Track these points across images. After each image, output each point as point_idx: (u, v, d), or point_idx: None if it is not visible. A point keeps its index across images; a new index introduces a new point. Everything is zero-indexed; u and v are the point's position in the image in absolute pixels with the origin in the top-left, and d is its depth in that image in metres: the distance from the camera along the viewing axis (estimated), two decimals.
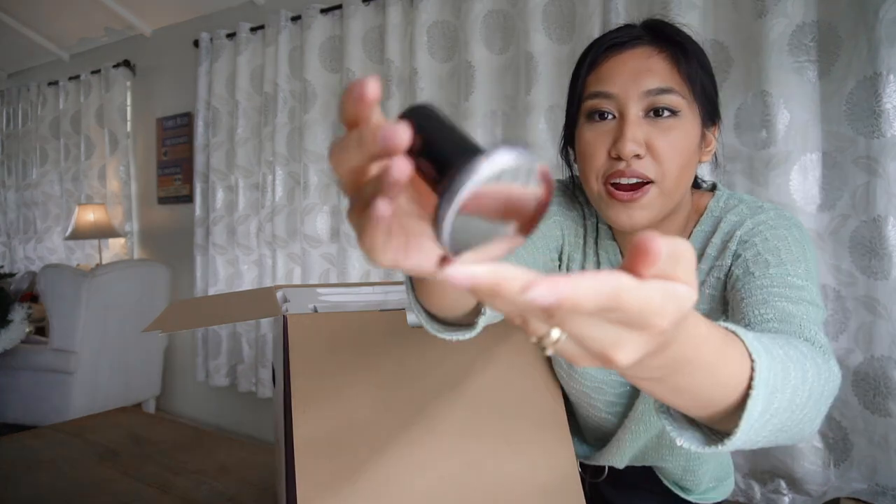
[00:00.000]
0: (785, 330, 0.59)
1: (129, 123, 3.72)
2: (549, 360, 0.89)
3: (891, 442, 1.49)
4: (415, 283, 0.58)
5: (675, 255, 0.27)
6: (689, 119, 0.73)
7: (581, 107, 0.76)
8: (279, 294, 0.94)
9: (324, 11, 2.66)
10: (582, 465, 0.95)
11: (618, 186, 0.71)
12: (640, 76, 0.71)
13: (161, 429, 1.33)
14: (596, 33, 1.89)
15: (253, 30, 2.94)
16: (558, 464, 0.80)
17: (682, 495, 0.92)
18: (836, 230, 1.58)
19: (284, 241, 2.81)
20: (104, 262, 3.71)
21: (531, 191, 0.28)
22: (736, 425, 0.41)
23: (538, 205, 0.29)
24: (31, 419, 2.83)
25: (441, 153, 0.30)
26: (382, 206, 0.29)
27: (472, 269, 0.25)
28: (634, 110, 0.71)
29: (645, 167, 0.70)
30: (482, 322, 0.58)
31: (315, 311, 0.81)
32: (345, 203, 2.57)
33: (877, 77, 1.47)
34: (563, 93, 0.81)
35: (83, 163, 3.88)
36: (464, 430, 0.76)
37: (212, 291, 3.09)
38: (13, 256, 4.45)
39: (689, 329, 0.33)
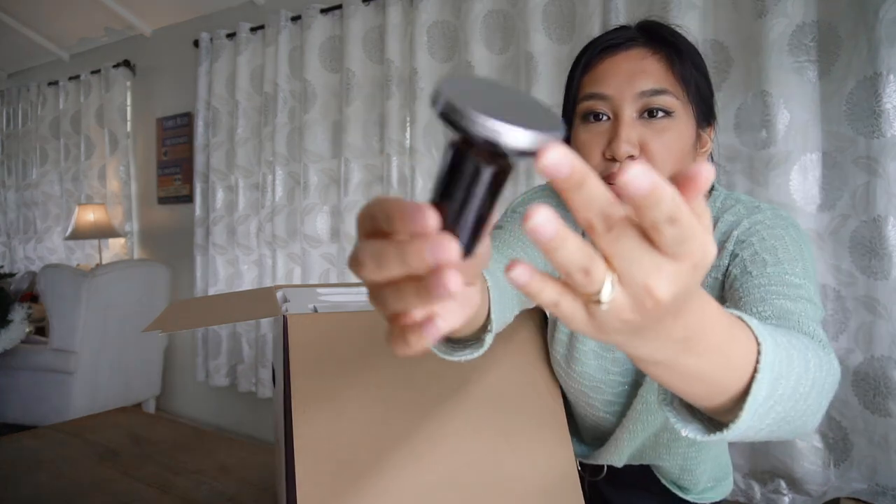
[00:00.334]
0: (783, 326, 0.59)
1: (129, 123, 3.72)
2: (548, 360, 0.89)
3: (891, 442, 1.49)
4: None
5: (702, 205, 0.29)
6: (684, 120, 0.73)
7: (576, 108, 0.76)
8: (279, 294, 0.94)
9: (324, 11, 2.66)
10: (581, 464, 0.95)
11: (612, 187, 0.71)
12: (635, 77, 0.72)
13: (161, 429, 1.33)
14: (596, 33, 1.88)
15: (253, 30, 2.94)
16: (557, 463, 0.80)
17: (681, 494, 0.92)
18: (836, 230, 1.58)
19: (284, 241, 2.81)
20: (104, 262, 3.71)
21: None
22: (741, 409, 0.41)
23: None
24: (31, 419, 2.83)
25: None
26: (436, 323, 0.29)
27: (566, 157, 0.25)
28: (629, 111, 0.72)
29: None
30: (489, 339, 0.58)
31: (315, 311, 0.81)
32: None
33: (877, 77, 1.47)
34: (563, 93, 0.81)
35: (83, 163, 3.88)
36: (464, 430, 0.76)
37: (212, 291, 3.09)
38: (13, 256, 4.45)
39: (701, 302, 0.34)
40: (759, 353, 0.41)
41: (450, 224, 0.28)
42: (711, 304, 0.36)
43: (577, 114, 0.76)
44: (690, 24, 1.74)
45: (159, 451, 1.18)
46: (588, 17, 1.93)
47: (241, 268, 3.01)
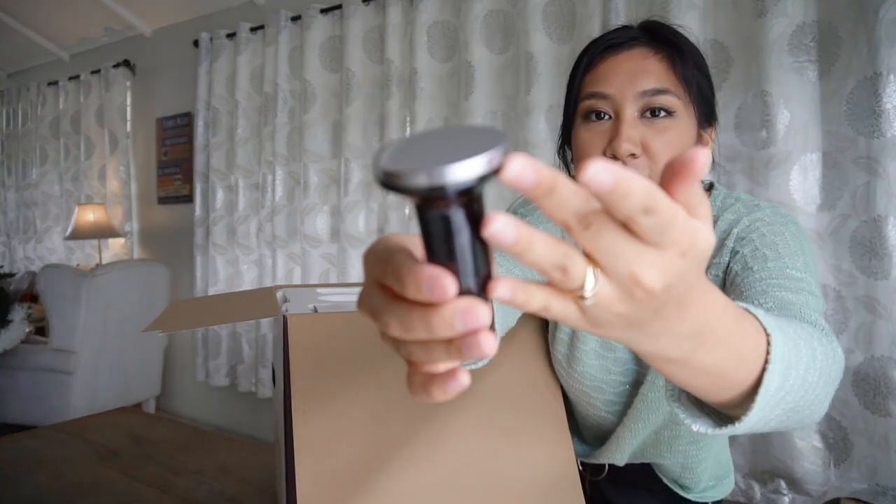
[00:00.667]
0: (785, 316, 0.59)
1: (129, 123, 3.72)
2: (549, 359, 0.89)
3: (891, 442, 1.49)
4: None
5: (699, 194, 0.28)
6: (685, 120, 0.73)
7: (578, 107, 0.76)
8: (279, 294, 0.94)
9: (324, 11, 2.66)
10: (582, 463, 0.96)
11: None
12: (637, 77, 0.72)
13: (161, 429, 1.33)
14: (596, 33, 1.89)
15: (253, 30, 2.94)
16: (558, 462, 0.80)
17: (682, 493, 0.92)
18: (836, 230, 1.58)
19: (284, 241, 2.81)
20: (104, 262, 3.71)
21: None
22: (752, 402, 0.41)
23: None
24: (31, 419, 2.83)
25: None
26: (460, 378, 0.29)
27: (527, 166, 0.25)
28: (630, 111, 0.72)
29: (640, 167, 0.71)
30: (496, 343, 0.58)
31: (315, 311, 0.81)
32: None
33: (877, 77, 1.47)
34: (563, 93, 0.82)
35: (83, 163, 3.88)
36: (464, 430, 0.76)
37: (212, 291, 3.09)
38: (13, 256, 4.45)
39: (706, 294, 0.33)
40: (768, 344, 0.41)
41: (458, 279, 0.27)
42: (717, 296, 0.35)
43: (578, 113, 0.76)
44: (690, 24, 1.74)
45: (159, 451, 1.18)
46: (588, 17, 1.93)
47: (241, 268, 3.01)
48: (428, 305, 0.26)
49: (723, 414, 0.46)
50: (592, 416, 0.91)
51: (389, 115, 2.45)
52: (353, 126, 2.57)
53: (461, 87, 2.24)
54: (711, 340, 0.36)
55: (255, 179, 2.96)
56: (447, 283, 0.25)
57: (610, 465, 0.95)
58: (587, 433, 0.97)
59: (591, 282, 0.28)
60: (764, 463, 1.68)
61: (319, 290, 0.97)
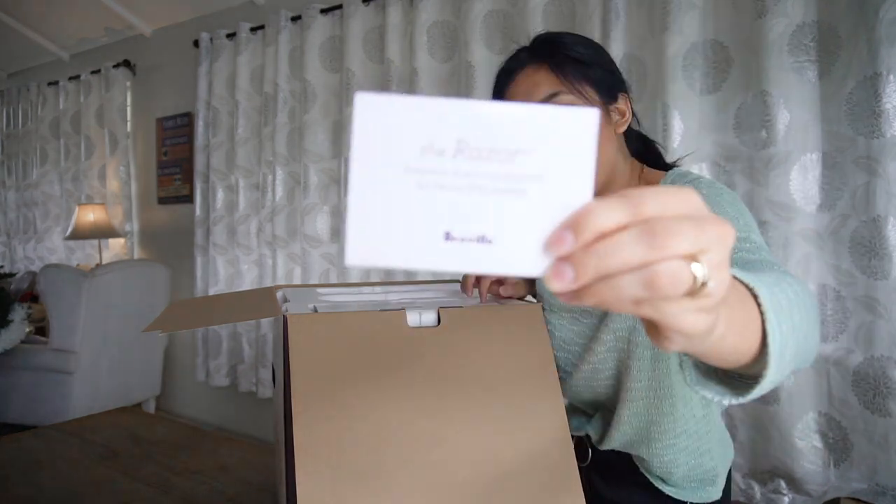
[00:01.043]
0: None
1: (129, 123, 3.72)
2: (546, 341, 0.90)
3: (891, 442, 1.49)
4: None
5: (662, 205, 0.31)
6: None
7: None
8: (279, 294, 0.94)
9: (324, 11, 2.66)
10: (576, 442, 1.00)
11: None
12: (531, 91, 0.87)
13: (161, 429, 1.33)
14: (596, 33, 1.89)
15: (253, 30, 2.94)
16: (557, 454, 0.80)
17: (662, 488, 0.95)
18: (836, 230, 1.58)
19: (284, 241, 2.81)
20: (104, 262, 3.71)
21: None
22: (766, 354, 0.42)
23: None
24: (31, 419, 2.83)
25: None
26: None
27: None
28: None
29: None
30: None
31: (315, 311, 0.81)
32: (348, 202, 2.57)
33: (877, 77, 1.47)
34: None
35: (83, 163, 3.88)
36: (466, 429, 0.76)
37: (212, 291, 3.09)
38: (13, 256, 4.45)
39: None
40: (755, 297, 0.42)
41: None
42: None
43: None
44: (690, 24, 1.74)
45: (159, 451, 1.18)
46: (588, 17, 1.93)
47: (242, 268, 3.01)
48: None
49: (744, 382, 0.47)
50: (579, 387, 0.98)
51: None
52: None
53: (461, 88, 2.24)
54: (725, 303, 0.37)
55: (256, 179, 2.96)
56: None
57: (600, 457, 0.98)
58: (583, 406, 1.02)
59: (699, 267, 0.29)
60: (764, 463, 1.68)
61: (319, 290, 0.97)
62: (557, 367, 0.94)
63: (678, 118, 1.77)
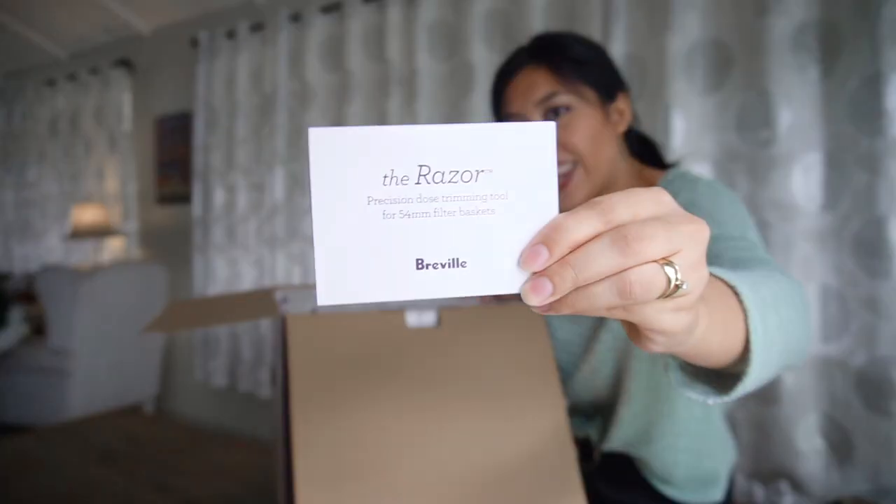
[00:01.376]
0: (738, 269, 0.63)
1: (127, 123, 3.71)
2: (551, 353, 0.89)
3: (893, 443, 1.48)
4: None
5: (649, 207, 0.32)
6: (584, 107, 0.88)
7: None
8: (278, 294, 0.93)
9: (323, 11, 2.65)
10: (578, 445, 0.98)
11: None
12: (529, 91, 0.88)
13: (160, 429, 1.32)
14: (597, 33, 1.88)
15: (252, 29, 2.93)
16: (557, 454, 0.80)
17: (663, 489, 0.94)
18: (838, 230, 1.58)
19: (284, 241, 2.80)
20: (102, 262, 3.70)
21: None
22: (749, 351, 0.42)
23: None
24: (30, 420, 2.82)
25: None
26: None
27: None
28: (536, 118, 0.87)
29: (561, 157, 0.87)
30: None
31: (314, 311, 0.81)
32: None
33: (880, 76, 1.46)
34: None
35: (81, 162, 3.87)
36: (466, 430, 0.76)
37: (211, 292, 3.08)
38: (11, 257, 4.44)
39: None
40: (737, 295, 0.43)
41: None
42: None
43: None
44: (691, 23, 1.74)
45: (158, 451, 1.18)
46: (588, 17, 1.92)
47: (241, 268, 3.00)
48: None
49: (729, 381, 0.47)
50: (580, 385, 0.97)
51: (389, 115, 2.44)
52: (353, 126, 2.56)
53: (461, 87, 2.24)
54: (704, 305, 0.37)
55: (255, 179, 2.96)
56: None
57: (602, 459, 0.97)
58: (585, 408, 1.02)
59: (673, 271, 0.29)
60: (766, 464, 1.67)
61: None
62: (558, 367, 0.94)
63: (679, 117, 1.76)
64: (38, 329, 3.35)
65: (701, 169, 1.74)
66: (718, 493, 0.96)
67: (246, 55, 2.95)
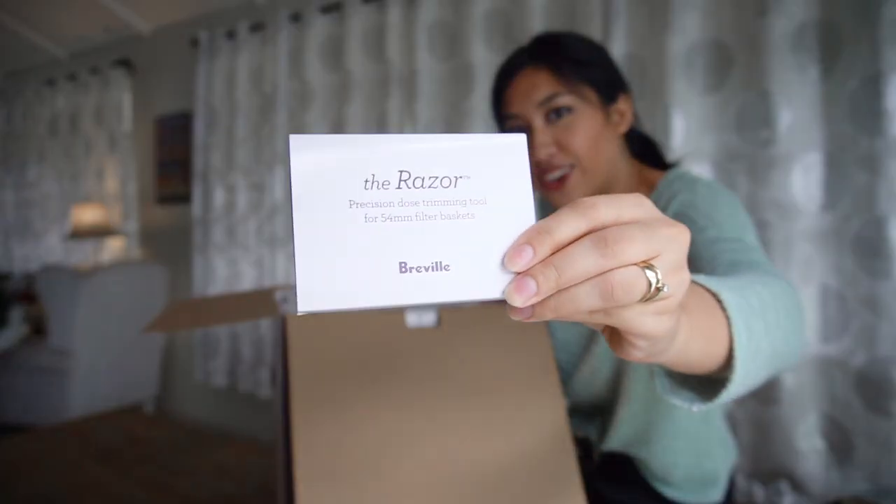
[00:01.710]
0: (732, 274, 0.62)
1: (127, 123, 3.71)
2: (552, 358, 0.89)
3: (894, 443, 1.48)
4: None
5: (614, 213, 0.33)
6: (585, 108, 0.87)
7: (504, 128, 0.93)
8: (278, 294, 0.93)
9: (323, 11, 2.65)
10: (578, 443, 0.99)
11: (549, 181, 0.88)
12: (530, 92, 0.87)
13: (160, 429, 1.32)
14: (597, 33, 1.88)
15: (252, 29, 2.93)
16: (557, 456, 0.80)
17: (663, 490, 0.94)
18: (838, 230, 1.58)
19: (284, 241, 2.80)
20: (103, 262, 3.70)
21: None
22: (733, 357, 0.42)
23: None
24: (30, 419, 2.82)
25: None
26: None
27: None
28: (537, 120, 0.87)
29: (561, 159, 0.87)
30: None
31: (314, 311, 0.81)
32: None
33: (880, 76, 1.46)
34: None
35: (81, 162, 3.87)
36: (465, 430, 0.76)
37: (211, 291, 3.08)
38: (11, 256, 4.44)
39: None
40: (720, 301, 0.43)
41: None
42: None
43: (504, 131, 0.93)
44: (691, 24, 1.74)
45: (159, 451, 1.18)
46: (588, 17, 1.92)
47: (241, 268, 3.00)
48: None
49: (714, 387, 0.47)
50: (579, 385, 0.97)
51: (389, 115, 2.44)
52: (353, 126, 2.56)
53: (461, 87, 2.24)
54: (686, 313, 0.38)
55: (255, 179, 2.96)
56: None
57: (602, 460, 0.97)
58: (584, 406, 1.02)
59: (653, 274, 0.29)
60: (766, 464, 1.67)
61: None
62: (558, 367, 0.94)
63: (679, 117, 1.76)
64: (38, 329, 3.35)
65: (701, 169, 1.74)
66: (718, 493, 0.96)
67: (246, 55, 2.95)
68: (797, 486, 1.64)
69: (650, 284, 0.29)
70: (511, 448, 0.77)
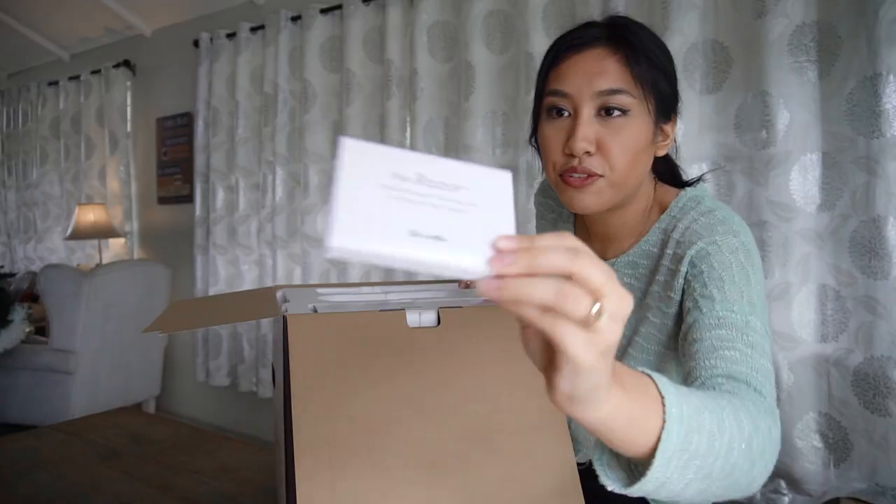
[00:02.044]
0: (733, 390, 0.63)
1: (129, 123, 3.72)
2: None
3: (891, 442, 1.49)
4: None
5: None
6: (640, 117, 0.77)
7: (543, 101, 0.81)
8: (279, 294, 0.94)
9: (324, 11, 2.66)
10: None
11: (571, 176, 0.78)
12: (594, 77, 0.76)
13: (161, 429, 1.33)
14: None
15: (253, 30, 2.94)
16: (560, 468, 0.80)
17: None
18: (835, 230, 1.58)
19: (284, 241, 2.81)
20: (104, 262, 3.71)
21: None
22: (654, 455, 0.43)
23: None
24: (31, 419, 2.83)
25: None
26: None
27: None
28: (587, 110, 0.76)
29: (594, 164, 0.76)
30: None
31: (315, 311, 0.81)
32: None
33: (877, 77, 1.47)
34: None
35: (83, 163, 3.88)
36: (466, 430, 0.76)
37: (212, 291, 3.09)
38: (13, 256, 4.45)
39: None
40: (663, 405, 0.44)
41: None
42: (618, 364, 0.42)
43: (543, 107, 0.81)
44: (690, 24, 1.74)
45: (159, 451, 1.18)
46: (588, 18, 1.92)
47: (242, 268, 3.01)
48: None
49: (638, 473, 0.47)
50: None
51: (389, 116, 2.45)
52: (354, 126, 2.56)
53: (461, 87, 2.24)
54: (619, 386, 0.40)
55: (256, 179, 2.96)
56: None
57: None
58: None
59: (596, 306, 0.34)
60: None
61: (319, 290, 0.97)
62: None
63: (678, 118, 1.77)
64: (40, 329, 3.36)
65: (699, 169, 1.75)
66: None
67: (247, 56, 2.96)
68: (795, 484, 1.64)
69: (591, 310, 0.34)
70: (511, 448, 0.78)
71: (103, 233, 3.54)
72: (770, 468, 0.54)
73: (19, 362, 2.95)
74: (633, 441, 0.43)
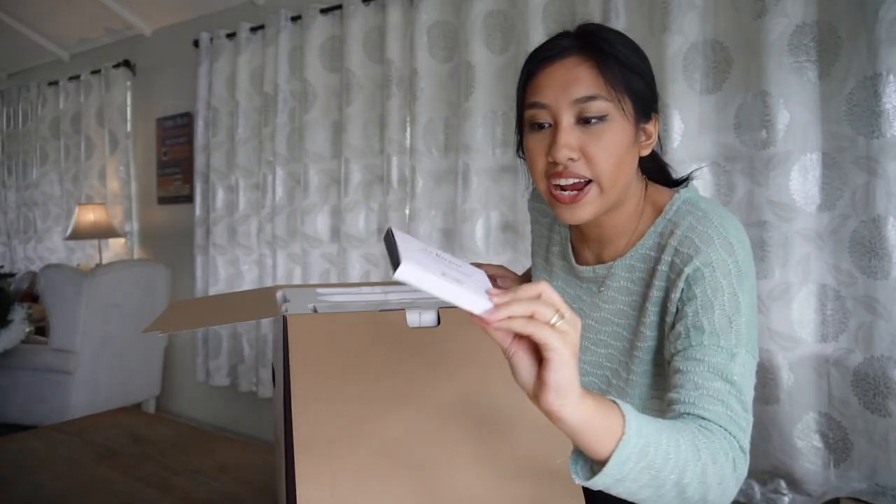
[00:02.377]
0: (705, 426, 0.68)
1: (129, 123, 3.72)
2: None
3: (891, 442, 1.49)
4: None
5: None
6: (619, 121, 0.78)
7: (524, 115, 0.83)
8: (279, 294, 0.94)
9: (324, 11, 2.66)
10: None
11: (562, 188, 0.79)
12: (568, 86, 0.78)
13: (161, 429, 1.33)
14: None
15: (253, 30, 2.94)
16: (560, 461, 0.80)
17: None
18: (835, 230, 1.58)
19: (284, 241, 2.81)
20: (104, 262, 3.71)
21: None
22: (612, 454, 0.55)
23: None
24: (31, 419, 2.84)
25: None
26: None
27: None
28: (566, 119, 0.78)
29: (580, 169, 0.78)
30: None
31: (315, 311, 0.81)
32: (351, 205, 2.58)
33: (877, 77, 1.47)
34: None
35: (83, 163, 3.88)
36: (465, 430, 0.76)
37: (212, 291, 3.09)
38: (13, 256, 4.45)
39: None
40: (623, 422, 0.56)
41: None
42: (585, 394, 0.54)
43: (525, 120, 0.83)
44: (690, 24, 1.74)
45: (159, 451, 1.18)
46: (588, 18, 1.92)
47: (242, 268, 3.01)
48: None
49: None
50: None
51: (389, 116, 2.45)
52: (354, 126, 2.57)
53: (461, 87, 2.25)
54: (591, 398, 0.54)
55: (256, 179, 2.97)
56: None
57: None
58: None
59: (558, 318, 0.51)
60: (764, 463, 1.68)
61: (319, 290, 0.97)
62: None
63: (678, 118, 1.77)
64: (40, 329, 3.37)
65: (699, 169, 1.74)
66: None
67: (247, 55, 2.96)
68: (795, 484, 1.64)
69: (554, 317, 0.51)
70: (511, 448, 0.78)
71: (103, 233, 3.55)
72: (728, 499, 0.63)
73: (19, 362, 2.95)
74: (600, 443, 0.55)
